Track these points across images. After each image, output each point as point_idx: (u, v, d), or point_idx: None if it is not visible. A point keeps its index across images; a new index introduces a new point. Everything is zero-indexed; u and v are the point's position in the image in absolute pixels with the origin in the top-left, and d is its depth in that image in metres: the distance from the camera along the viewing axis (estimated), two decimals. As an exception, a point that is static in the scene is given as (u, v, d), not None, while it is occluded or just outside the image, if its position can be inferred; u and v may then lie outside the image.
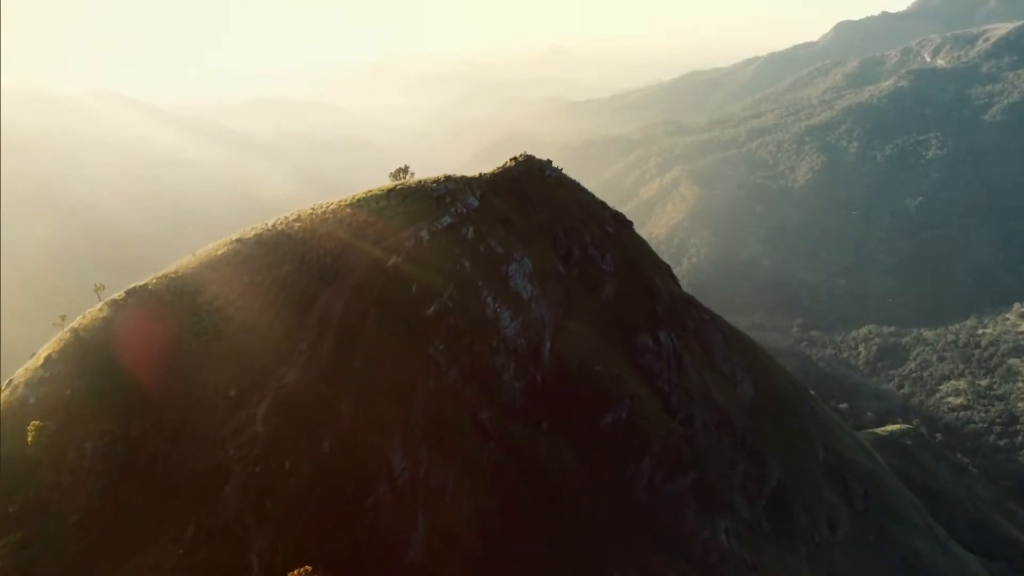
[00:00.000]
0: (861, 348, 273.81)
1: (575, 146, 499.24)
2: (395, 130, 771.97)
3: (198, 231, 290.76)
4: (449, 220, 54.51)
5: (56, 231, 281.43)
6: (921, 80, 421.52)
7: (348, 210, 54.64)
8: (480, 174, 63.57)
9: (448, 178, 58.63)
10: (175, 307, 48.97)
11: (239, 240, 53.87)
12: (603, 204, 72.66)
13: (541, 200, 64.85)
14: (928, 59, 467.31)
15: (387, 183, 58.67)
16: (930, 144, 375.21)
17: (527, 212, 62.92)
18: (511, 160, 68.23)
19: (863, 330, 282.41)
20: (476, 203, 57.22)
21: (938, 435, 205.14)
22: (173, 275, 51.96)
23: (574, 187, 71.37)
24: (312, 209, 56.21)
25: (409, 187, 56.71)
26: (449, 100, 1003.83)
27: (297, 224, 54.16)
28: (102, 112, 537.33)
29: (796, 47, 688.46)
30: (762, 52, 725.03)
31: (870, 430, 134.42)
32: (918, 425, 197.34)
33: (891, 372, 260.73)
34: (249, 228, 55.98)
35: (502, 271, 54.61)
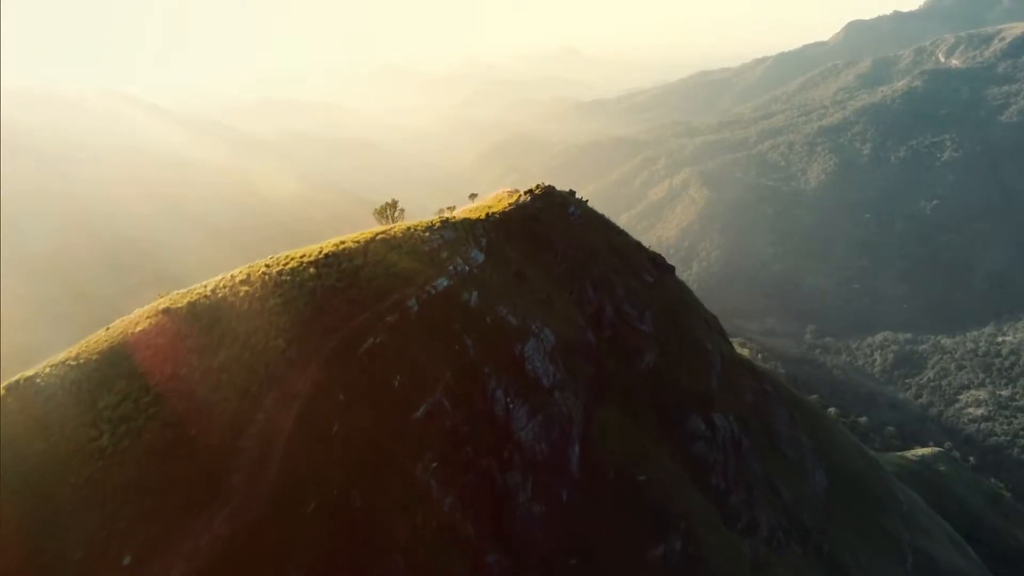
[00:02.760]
0: (877, 355, 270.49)
1: (583, 146, 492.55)
2: (403, 131, 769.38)
3: (203, 232, 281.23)
4: (446, 283, 40.45)
5: (57, 232, 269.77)
6: (935, 80, 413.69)
7: (312, 270, 40.64)
8: (487, 214, 49.06)
9: (445, 223, 44.32)
10: (67, 413, 35.24)
11: (167, 311, 39.88)
12: (639, 245, 58.62)
13: (564, 245, 50.96)
14: (942, 59, 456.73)
15: (368, 231, 44.37)
16: (945, 146, 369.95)
17: (546, 262, 49.14)
18: (525, 193, 53.99)
19: (878, 337, 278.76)
20: (481, 257, 43.07)
21: (971, 459, 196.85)
22: (73, 363, 38.02)
23: (603, 225, 57.28)
24: (266, 267, 42.07)
25: (395, 237, 42.36)
26: (457, 100, 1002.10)
27: (244, 288, 40.07)
28: (106, 112, 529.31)
29: (806, 47, 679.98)
30: (771, 52, 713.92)
31: (899, 453, 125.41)
32: (950, 449, 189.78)
33: (908, 380, 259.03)
34: (183, 292, 42.14)
35: (516, 351, 40.54)
